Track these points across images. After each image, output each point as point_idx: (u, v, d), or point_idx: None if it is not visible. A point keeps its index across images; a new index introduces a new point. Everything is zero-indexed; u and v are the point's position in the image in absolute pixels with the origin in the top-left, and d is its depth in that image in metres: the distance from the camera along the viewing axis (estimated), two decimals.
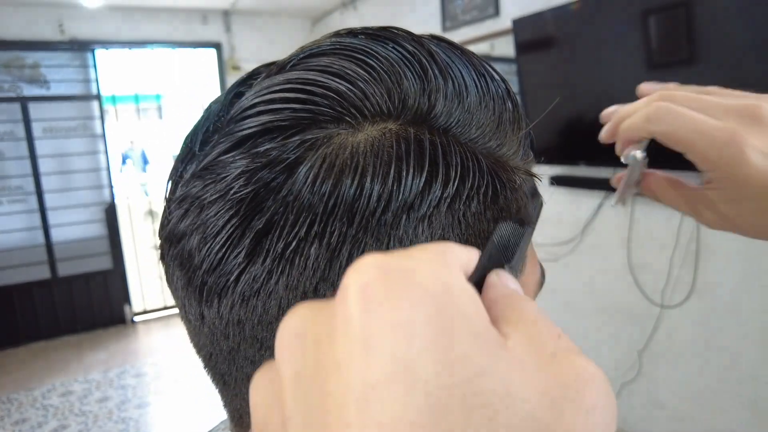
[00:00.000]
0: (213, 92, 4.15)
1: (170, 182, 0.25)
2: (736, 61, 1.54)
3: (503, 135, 0.24)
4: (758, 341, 1.67)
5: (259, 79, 0.24)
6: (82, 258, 3.76)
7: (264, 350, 0.22)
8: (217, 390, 0.26)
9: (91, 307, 3.83)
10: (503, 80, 0.25)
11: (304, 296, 0.21)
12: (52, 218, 3.64)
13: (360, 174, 0.20)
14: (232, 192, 0.21)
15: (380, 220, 0.20)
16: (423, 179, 0.21)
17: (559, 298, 2.41)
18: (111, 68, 3.77)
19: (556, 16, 2.07)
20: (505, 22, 2.40)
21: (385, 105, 0.22)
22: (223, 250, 0.21)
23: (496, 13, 2.47)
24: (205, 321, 0.23)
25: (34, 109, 3.52)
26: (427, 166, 0.21)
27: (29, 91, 3.52)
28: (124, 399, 2.88)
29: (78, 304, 3.78)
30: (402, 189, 0.20)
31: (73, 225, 3.72)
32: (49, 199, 3.62)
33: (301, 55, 0.23)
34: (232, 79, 4.08)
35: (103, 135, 3.73)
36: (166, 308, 4.19)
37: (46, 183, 3.60)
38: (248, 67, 4.09)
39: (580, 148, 2.09)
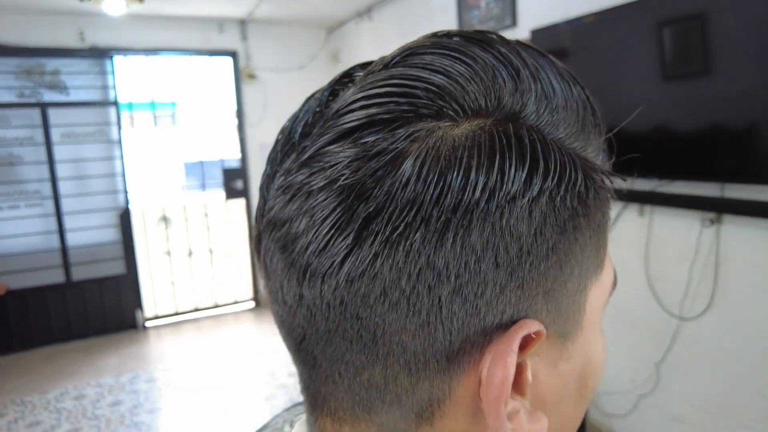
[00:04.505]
0: (228, 100, 4.20)
1: (269, 171, 0.26)
2: (750, 73, 1.54)
3: (587, 137, 0.25)
4: None
5: (361, 75, 0.25)
6: (96, 263, 3.80)
7: (363, 329, 0.23)
8: (302, 373, 0.27)
9: (104, 311, 3.86)
10: (583, 87, 0.26)
11: (408, 278, 0.21)
12: (68, 223, 3.69)
13: (465, 166, 0.21)
14: (341, 179, 0.22)
15: (484, 209, 0.21)
16: (525, 172, 0.22)
17: None
18: (128, 75, 3.83)
19: (571, 28, 2.09)
20: (521, 33, 2.41)
21: (483, 101, 0.23)
22: (331, 233, 0.22)
23: (513, 23, 2.49)
24: (304, 301, 0.23)
25: (54, 115, 3.58)
26: (528, 160, 0.22)
27: (49, 97, 3.58)
28: (137, 403, 2.89)
29: (91, 308, 3.81)
30: (506, 181, 0.21)
31: (88, 230, 3.76)
32: (66, 204, 3.67)
33: (404, 53, 0.24)
34: (248, 86, 4.13)
35: (119, 141, 3.79)
36: (177, 314, 4.21)
37: (63, 188, 3.65)
38: (264, 75, 4.14)
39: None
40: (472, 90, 0.22)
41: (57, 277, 3.70)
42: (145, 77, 3.90)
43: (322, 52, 4.41)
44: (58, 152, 3.61)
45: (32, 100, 3.53)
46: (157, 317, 4.14)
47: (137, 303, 3.98)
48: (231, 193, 4.27)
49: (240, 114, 4.18)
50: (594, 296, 0.27)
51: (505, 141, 0.22)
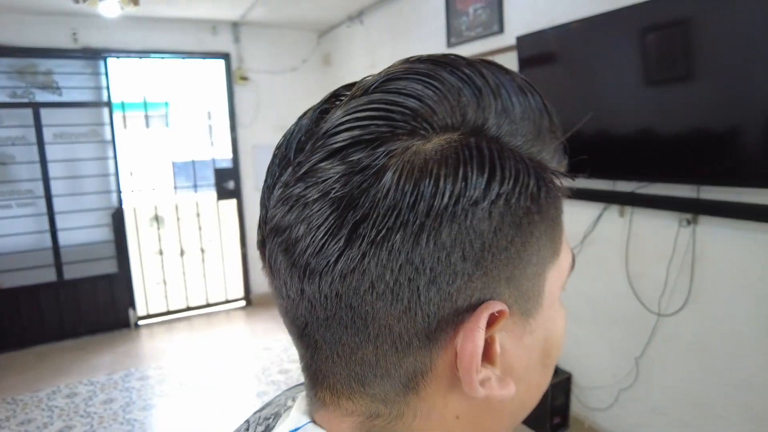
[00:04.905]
0: (221, 101, 4.23)
1: (269, 182, 0.30)
2: (731, 78, 1.60)
3: (543, 142, 0.29)
4: (753, 348, 1.73)
5: (345, 100, 0.28)
6: (89, 262, 3.81)
7: (356, 316, 0.27)
8: (303, 355, 0.32)
9: (96, 310, 3.87)
10: (541, 96, 0.30)
11: (391, 273, 0.25)
12: (60, 222, 3.70)
13: (435, 177, 0.25)
14: (333, 192, 0.26)
15: (452, 213, 0.25)
16: (485, 180, 0.26)
17: None
18: (121, 76, 3.85)
19: (557, 34, 2.15)
20: (508, 39, 2.48)
21: (449, 119, 0.27)
22: (326, 237, 0.26)
23: (501, 30, 2.56)
24: (305, 295, 0.27)
25: (46, 115, 3.60)
26: (487, 168, 0.26)
27: (42, 97, 3.59)
28: (129, 401, 2.92)
29: (83, 307, 3.83)
30: (469, 188, 0.25)
31: (81, 229, 3.78)
32: (58, 203, 3.68)
33: (381, 80, 0.27)
34: (240, 88, 4.17)
35: (113, 141, 3.81)
36: (169, 313, 4.23)
37: (55, 187, 3.67)
38: (256, 77, 4.18)
39: (581, 161, 2.16)
40: (440, 110, 0.27)
41: (49, 276, 3.71)
42: (138, 78, 3.92)
43: (314, 55, 4.46)
44: (51, 152, 3.62)
45: (25, 100, 3.54)
46: (149, 316, 4.15)
47: (130, 302, 4.00)
48: (223, 193, 4.30)
49: (232, 115, 4.22)
50: (552, 279, 0.31)
51: (468, 153, 0.26)
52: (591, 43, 2.03)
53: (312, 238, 0.26)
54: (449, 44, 2.90)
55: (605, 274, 2.22)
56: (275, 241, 0.28)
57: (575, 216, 2.33)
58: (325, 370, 0.30)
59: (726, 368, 1.82)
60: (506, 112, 0.28)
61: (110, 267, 3.90)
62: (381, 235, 0.25)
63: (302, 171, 0.27)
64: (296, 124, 0.30)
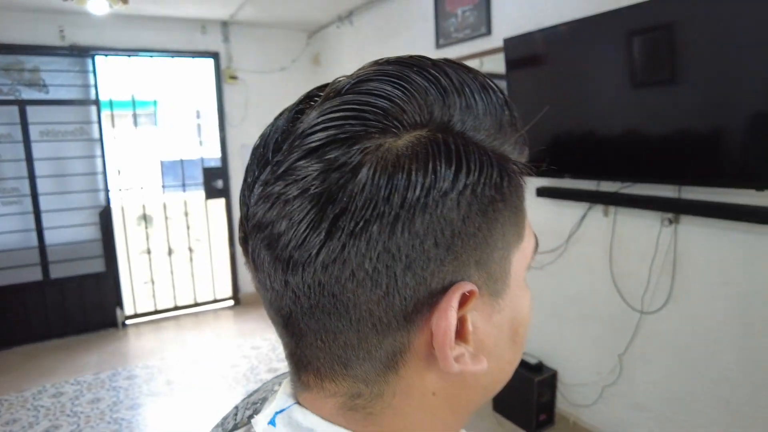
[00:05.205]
0: (210, 100, 4.22)
1: (249, 181, 0.31)
2: (713, 82, 1.64)
3: (504, 136, 0.31)
4: (731, 344, 1.77)
5: (319, 101, 0.30)
6: (75, 261, 3.78)
7: (338, 303, 0.28)
8: (288, 343, 0.33)
9: (83, 309, 3.85)
10: (502, 93, 0.32)
11: (370, 261, 0.27)
12: (47, 221, 3.67)
13: (407, 171, 0.27)
14: (312, 189, 0.27)
15: (423, 204, 0.27)
16: (453, 171, 0.28)
17: (544, 305, 2.51)
18: (110, 74, 3.82)
19: (544, 37, 2.18)
20: (496, 41, 2.51)
21: (418, 117, 0.29)
22: (307, 231, 0.27)
23: (488, 32, 2.59)
24: (289, 286, 0.29)
25: (32, 113, 3.57)
26: (454, 161, 0.28)
27: (28, 94, 3.56)
28: (116, 400, 2.91)
29: (70, 306, 3.80)
30: (438, 180, 0.27)
31: (67, 228, 3.75)
32: (44, 202, 3.65)
33: (353, 82, 0.29)
34: (230, 87, 4.17)
35: (100, 139, 3.78)
36: (157, 312, 4.22)
37: (42, 185, 3.64)
38: (245, 76, 4.18)
39: (566, 161, 2.19)
40: (409, 109, 0.28)
41: (35, 275, 3.67)
42: (126, 76, 3.90)
43: (304, 55, 4.47)
44: (37, 150, 3.59)
45: (10, 98, 3.51)
46: (137, 315, 4.13)
47: (117, 301, 3.98)
48: (211, 192, 4.29)
49: (221, 114, 4.21)
50: (517, 261, 0.33)
51: (436, 148, 0.28)
52: (577, 46, 2.06)
53: (294, 232, 0.28)
54: (438, 46, 2.93)
55: (590, 273, 2.26)
56: (258, 237, 0.30)
57: (561, 215, 2.36)
58: (309, 356, 0.32)
59: (705, 364, 1.86)
60: (470, 108, 0.30)
61: (97, 266, 3.88)
62: (359, 226, 0.27)
63: (281, 170, 0.28)
64: (272, 124, 0.32)
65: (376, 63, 0.30)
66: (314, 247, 0.27)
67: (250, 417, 0.36)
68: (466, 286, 0.29)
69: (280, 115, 0.32)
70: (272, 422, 0.33)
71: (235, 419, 0.40)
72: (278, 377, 0.46)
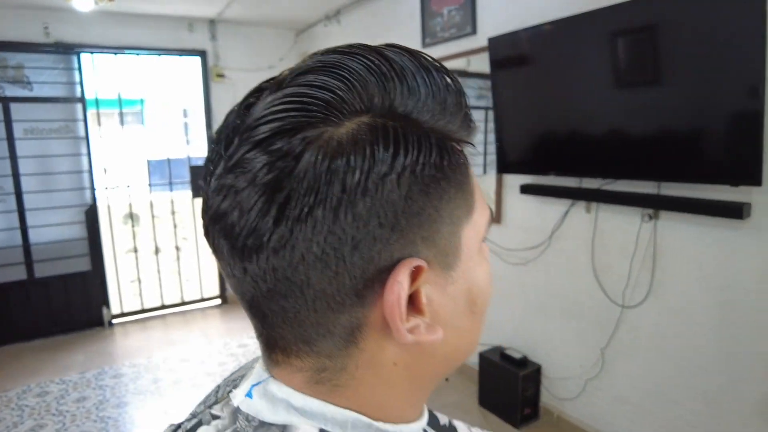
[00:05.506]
0: (197, 98, 4.21)
1: (206, 175, 0.33)
2: (697, 82, 1.67)
3: (448, 115, 0.32)
4: (708, 336, 1.82)
5: (264, 95, 0.31)
6: (61, 260, 3.75)
7: (293, 285, 0.30)
8: (255, 325, 0.35)
9: (69, 309, 3.81)
10: (446, 73, 0.34)
11: (317, 244, 0.28)
12: (31, 219, 3.63)
13: (347, 156, 0.28)
14: (258, 179, 0.28)
15: (364, 187, 0.28)
16: (390, 154, 0.29)
17: (528, 299, 2.54)
18: (95, 71, 3.80)
19: (529, 36, 2.21)
20: (481, 40, 2.54)
21: (358, 104, 0.30)
22: (257, 219, 0.29)
23: (474, 31, 2.62)
24: (248, 273, 0.30)
25: (16, 110, 3.53)
26: (392, 144, 0.29)
27: (11, 91, 3.53)
28: (103, 399, 2.89)
29: (55, 306, 3.76)
30: (376, 163, 0.28)
31: (53, 226, 3.71)
32: (29, 200, 3.62)
33: (293, 75, 0.31)
34: (217, 86, 4.16)
35: (86, 137, 3.76)
36: (144, 311, 4.20)
37: (26, 184, 3.60)
38: (233, 75, 4.18)
39: (550, 159, 2.23)
40: (348, 98, 0.30)
41: (19, 274, 3.64)
42: (112, 74, 3.88)
43: (291, 53, 4.47)
44: (21, 148, 3.56)
45: None
46: (123, 314, 4.11)
47: (103, 300, 3.95)
48: (198, 191, 4.26)
49: (208, 113, 4.20)
50: (468, 235, 0.34)
51: (374, 133, 0.29)
52: (561, 45, 2.09)
53: (245, 220, 0.29)
54: (424, 45, 2.96)
55: (573, 268, 2.30)
56: (216, 227, 0.31)
57: (544, 212, 2.40)
58: (275, 336, 0.34)
59: (683, 356, 1.91)
60: (411, 92, 0.31)
61: (83, 265, 3.85)
62: (304, 212, 0.28)
63: (231, 162, 0.30)
64: (225, 120, 0.33)
65: (316, 53, 0.32)
66: (265, 234, 0.29)
67: (230, 392, 0.38)
68: (414, 262, 0.30)
69: (232, 110, 0.33)
70: (249, 395, 0.35)
71: (216, 395, 0.42)
72: (258, 358, 0.48)
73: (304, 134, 0.28)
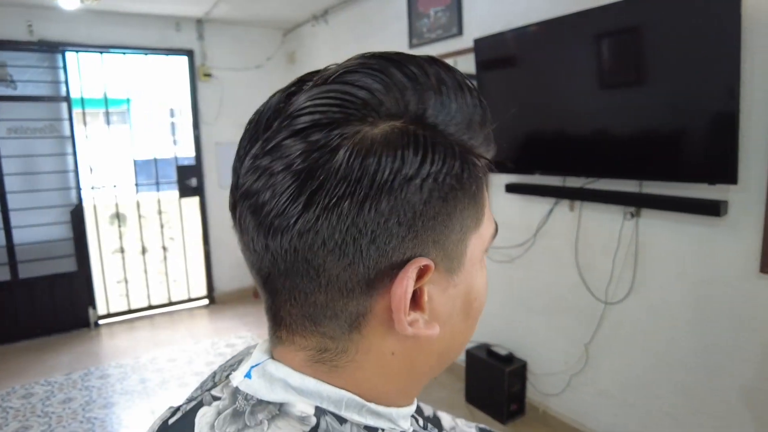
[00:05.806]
0: (184, 98, 4.19)
1: (241, 153, 0.35)
2: (677, 84, 1.72)
3: (473, 131, 0.35)
4: (688, 332, 1.87)
5: (308, 86, 0.34)
6: (46, 260, 3.71)
7: (310, 267, 0.32)
8: (266, 300, 0.38)
9: (54, 310, 3.78)
10: (477, 93, 0.36)
11: (339, 233, 0.31)
12: (15, 219, 3.59)
13: (378, 156, 0.30)
14: (294, 165, 0.31)
15: (390, 186, 0.30)
16: (418, 159, 0.31)
17: (513, 296, 2.58)
18: (81, 70, 3.77)
19: (515, 37, 2.25)
20: (467, 41, 2.58)
21: (394, 108, 0.32)
22: (287, 202, 0.31)
23: (460, 32, 2.66)
24: (269, 249, 0.33)
25: (0, 109, 3.49)
26: (421, 151, 0.31)
27: None
28: (89, 400, 2.87)
29: (40, 307, 3.72)
30: (404, 166, 0.31)
31: (37, 227, 3.67)
32: (13, 200, 3.58)
33: (340, 72, 0.33)
34: (204, 85, 4.15)
35: (72, 137, 3.73)
36: (130, 312, 4.17)
37: (10, 183, 3.56)
38: (220, 74, 4.17)
39: (535, 159, 2.27)
40: (386, 101, 0.32)
41: (3, 275, 3.59)
42: (98, 73, 3.85)
43: (279, 53, 4.47)
44: (5, 147, 3.52)
45: None
46: (110, 315, 4.08)
47: (89, 301, 3.92)
48: (185, 191, 4.26)
49: (195, 112, 4.18)
50: (474, 244, 0.37)
51: (406, 138, 0.31)
52: (546, 46, 2.13)
53: (276, 202, 0.31)
54: (411, 45, 2.98)
55: (557, 266, 2.34)
56: (245, 204, 0.33)
57: (529, 210, 2.44)
58: (283, 312, 0.36)
59: (664, 350, 1.95)
60: (444, 105, 0.34)
61: (69, 265, 3.81)
62: (333, 202, 0.30)
63: (270, 146, 0.32)
64: (266, 103, 0.36)
65: (363, 56, 0.34)
66: (292, 217, 0.31)
67: (228, 375, 0.40)
68: (423, 261, 0.33)
69: (274, 95, 0.36)
70: (248, 375, 0.37)
71: (213, 380, 0.43)
72: (252, 346, 0.50)
73: (342, 130, 0.31)
